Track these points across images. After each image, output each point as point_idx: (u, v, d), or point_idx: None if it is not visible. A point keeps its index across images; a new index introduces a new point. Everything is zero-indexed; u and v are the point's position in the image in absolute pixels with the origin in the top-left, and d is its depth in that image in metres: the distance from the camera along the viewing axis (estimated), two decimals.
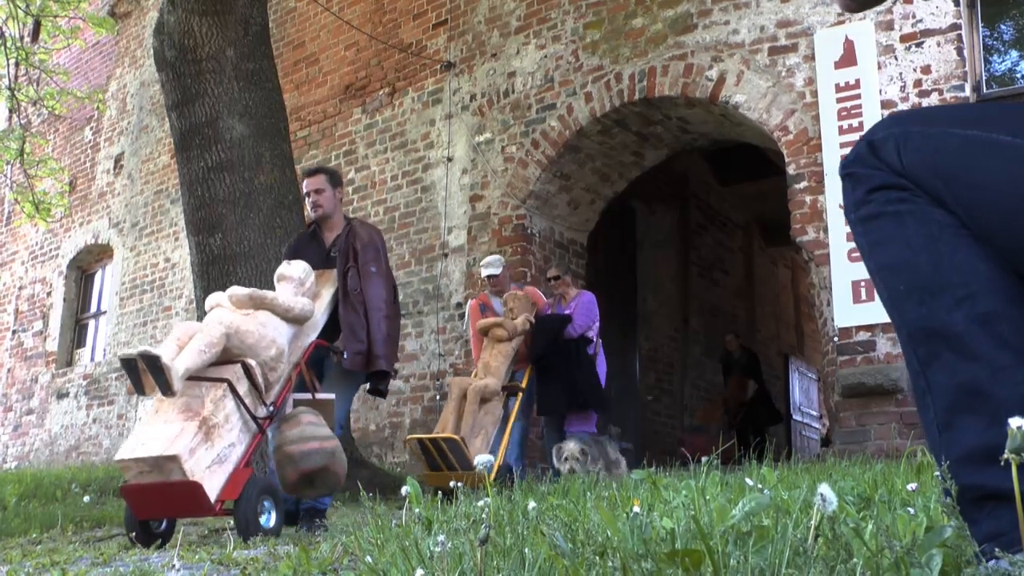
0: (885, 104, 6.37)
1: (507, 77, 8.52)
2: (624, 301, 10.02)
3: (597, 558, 1.40)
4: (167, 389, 3.64)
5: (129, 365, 3.69)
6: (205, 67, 6.73)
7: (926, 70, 6.29)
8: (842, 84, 6.52)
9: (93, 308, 13.01)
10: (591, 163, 8.36)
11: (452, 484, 2.37)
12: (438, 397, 8.15)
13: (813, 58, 6.72)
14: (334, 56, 10.16)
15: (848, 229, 6.44)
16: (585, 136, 8.01)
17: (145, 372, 3.67)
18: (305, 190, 4.85)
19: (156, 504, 3.73)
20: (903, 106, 6.25)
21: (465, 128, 8.75)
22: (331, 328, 4.56)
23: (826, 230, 6.44)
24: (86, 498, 5.88)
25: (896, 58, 6.40)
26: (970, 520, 1.11)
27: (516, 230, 8.26)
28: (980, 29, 6.46)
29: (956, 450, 1.13)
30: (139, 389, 3.76)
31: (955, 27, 6.24)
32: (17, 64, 10.70)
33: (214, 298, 4.25)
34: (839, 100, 6.51)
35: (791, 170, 6.75)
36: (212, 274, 6.49)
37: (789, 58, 6.87)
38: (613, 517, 1.68)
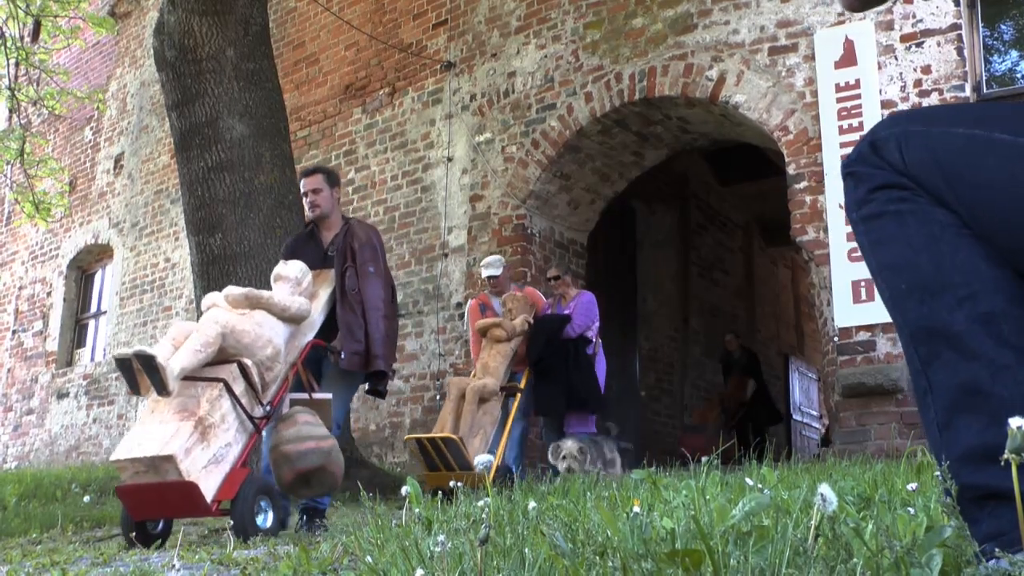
0: (885, 104, 6.37)
1: (507, 77, 8.52)
2: (624, 301, 10.02)
3: (597, 558, 1.40)
4: (162, 389, 3.62)
5: (124, 365, 3.67)
6: (205, 67, 6.74)
7: (926, 70, 6.29)
8: (842, 84, 6.52)
9: (93, 308, 13.01)
10: (591, 163, 8.36)
11: (452, 484, 2.37)
12: (438, 397, 8.14)
13: (813, 58, 6.72)
14: (334, 56, 10.16)
15: (848, 229, 6.44)
16: (585, 136, 8.01)
17: (140, 372, 3.66)
18: (303, 190, 4.85)
19: (152, 505, 3.71)
20: (903, 106, 6.25)
21: (465, 128, 8.75)
22: (329, 328, 4.55)
23: (826, 230, 6.44)
24: (86, 498, 5.88)
25: (896, 58, 6.40)
26: (970, 520, 1.11)
27: (516, 230, 8.25)
28: (980, 29, 6.46)
29: (956, 449, 1.13)
30: (134, 389, 3.74)
31: (955, 27, 6.24)
32: (17, 64, 10.70)
33: (210, 298, 4.24)
34: (839, 100, 6.51)
35: (791, 170, 6.75)
36: (212, 274, 6.49)
37: (789, 58, 6.87)
38: (613, 517, 1.68)
